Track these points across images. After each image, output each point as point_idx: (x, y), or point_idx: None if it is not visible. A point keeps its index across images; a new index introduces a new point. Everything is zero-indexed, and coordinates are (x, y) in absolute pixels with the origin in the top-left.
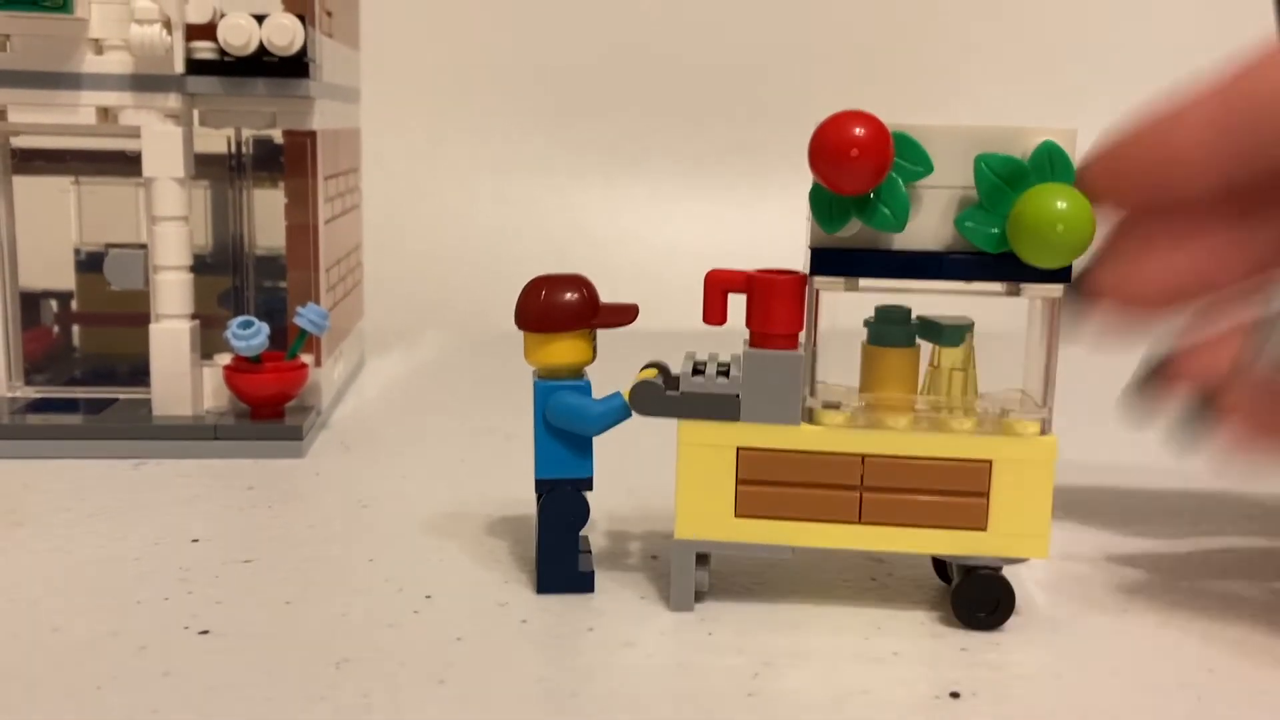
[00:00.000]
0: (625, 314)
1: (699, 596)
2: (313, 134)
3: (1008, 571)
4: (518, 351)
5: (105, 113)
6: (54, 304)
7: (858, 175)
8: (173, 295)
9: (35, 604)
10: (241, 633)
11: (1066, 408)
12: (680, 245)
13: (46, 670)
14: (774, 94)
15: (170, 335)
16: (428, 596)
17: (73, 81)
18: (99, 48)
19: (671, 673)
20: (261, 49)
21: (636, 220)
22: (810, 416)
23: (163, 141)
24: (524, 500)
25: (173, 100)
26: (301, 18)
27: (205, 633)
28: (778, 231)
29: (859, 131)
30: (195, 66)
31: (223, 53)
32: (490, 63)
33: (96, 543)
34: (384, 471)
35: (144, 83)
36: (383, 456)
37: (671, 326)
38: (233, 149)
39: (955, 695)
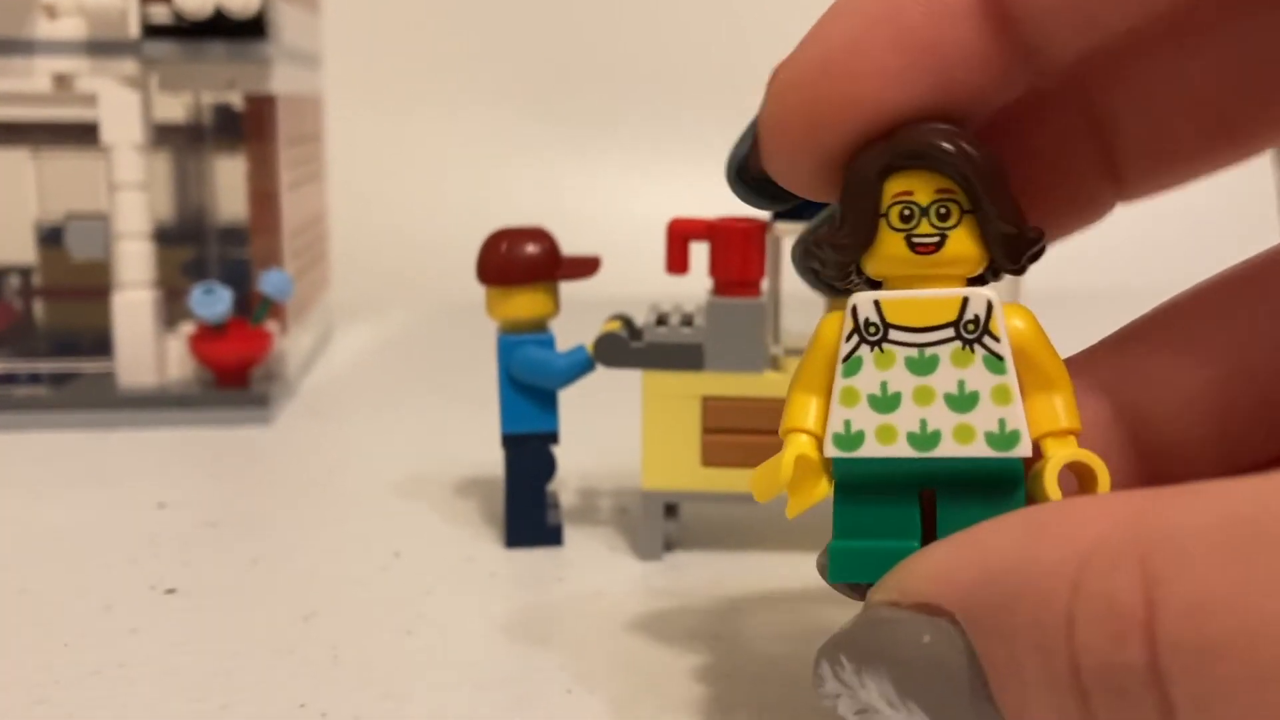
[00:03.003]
0: (587, 266)
1: (668, 546)
2: (273, 98)
3: None
4: (489, 321)
5: (61, 79)
6: (15, 279)
7: None
8: (134, 264)
9: (1, 568)
10: (208, 591)
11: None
12: (654, 215)
13: (13, 628)
14: (747, 59)
15: (133, 304)
16: (396, 553)
17: (25, 48)
18: (52, 12)
19: (640, 618)
20: (218, 11)
21: (609, 191)
22: (775, 364)
23: (120, 108)
24: (494, 462)
25: (129, 65)
26: None
27: (172, 591)
28: None
29: None
30: (152, 30)
31: (179, 16)
32: (459, 33)
33: (62, 510)
34: (352, 437)
35: (99, 48)
36: (351, 423)
37: (647, 295)
38: (193, 117)
39: None
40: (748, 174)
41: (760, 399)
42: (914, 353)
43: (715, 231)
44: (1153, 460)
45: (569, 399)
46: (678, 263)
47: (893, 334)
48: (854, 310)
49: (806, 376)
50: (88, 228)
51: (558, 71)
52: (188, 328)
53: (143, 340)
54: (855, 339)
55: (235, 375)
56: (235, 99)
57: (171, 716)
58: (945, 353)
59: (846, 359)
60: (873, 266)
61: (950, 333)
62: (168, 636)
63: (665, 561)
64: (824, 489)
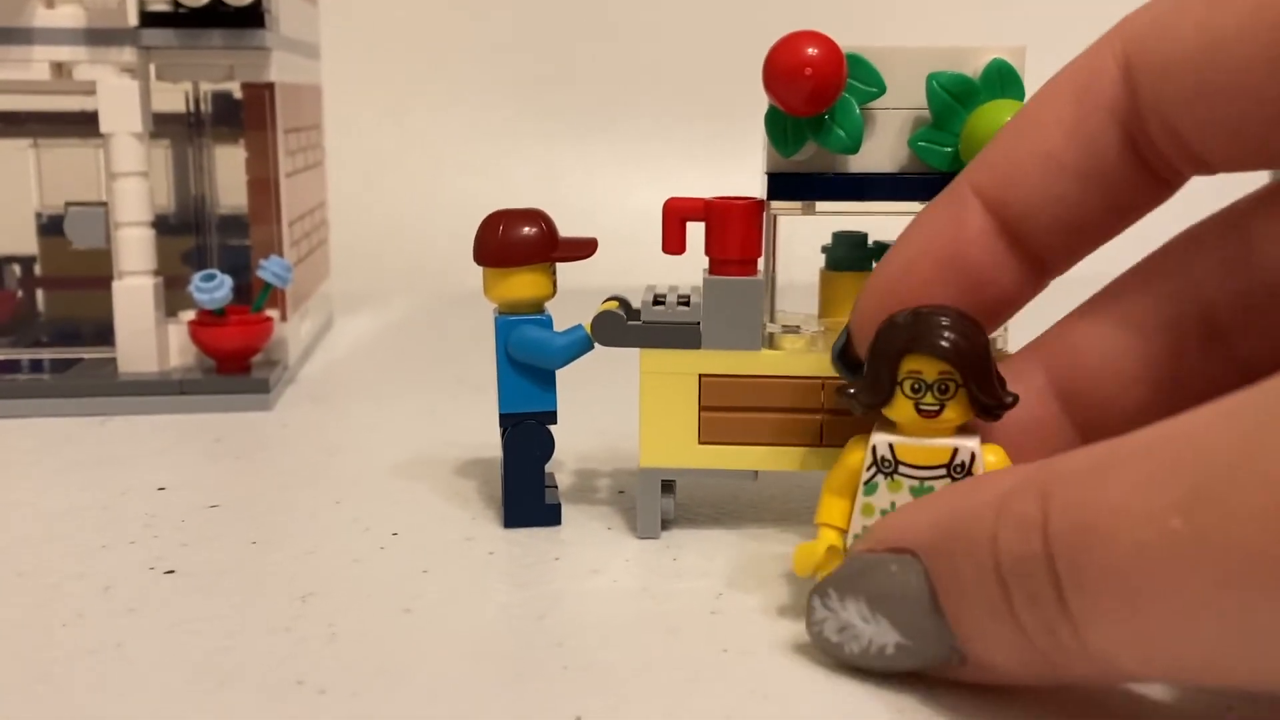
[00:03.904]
0: (584, 247)
1: (665, 525)
2: (271, 86)
3: None
4: (487, 307)
5: (59, 68)
6: (17, 268)
7: (811, 94)
8: (134, 251)
9: (1, 550)
10: (207, 572)
11: (1026, 330)
12: (652, 207)
13: (11, 610)
14: (744, 54)
15: (134, 292)
16: (394, 534)
17: (24, 36)
18: (50, 1)
19: (636, 595)
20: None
21: (608, 182)
22: (770, 342)
23: (119, 96)
24: (492, 445)
25: (127, 54)
26: None
27: (170, 573)
28: (755, 189)
29: (812, 51)
30: (149, 19)
31: (177, 4)
32: (460, 23)
33: (63, 493)
34: (352, 422)
35: (97, 36)
36: (351, 408)
37: (644, 284)
38: (191, 105)
39: None
40: (845, 357)
41: (756, 377)
42: (916, 483)
43: (711, 211)
44: (1083, 421)
45: (566, 379)
46: (674, 243)
47: (901, 469)
48: (874, 449)
49: (836, 484)
50: (88, 217)
51: (558, 63)
52: (188, 315)
53: (143, 328)
54: (874, 469)
55: (235, 361)
56: (234, 87)
57: (170, 695)
58: (939, 485)
59: (867, 483)
60: (889, 414)
61: (943, 472)
62: (166, 616)
63: (663, 539)
64: None
